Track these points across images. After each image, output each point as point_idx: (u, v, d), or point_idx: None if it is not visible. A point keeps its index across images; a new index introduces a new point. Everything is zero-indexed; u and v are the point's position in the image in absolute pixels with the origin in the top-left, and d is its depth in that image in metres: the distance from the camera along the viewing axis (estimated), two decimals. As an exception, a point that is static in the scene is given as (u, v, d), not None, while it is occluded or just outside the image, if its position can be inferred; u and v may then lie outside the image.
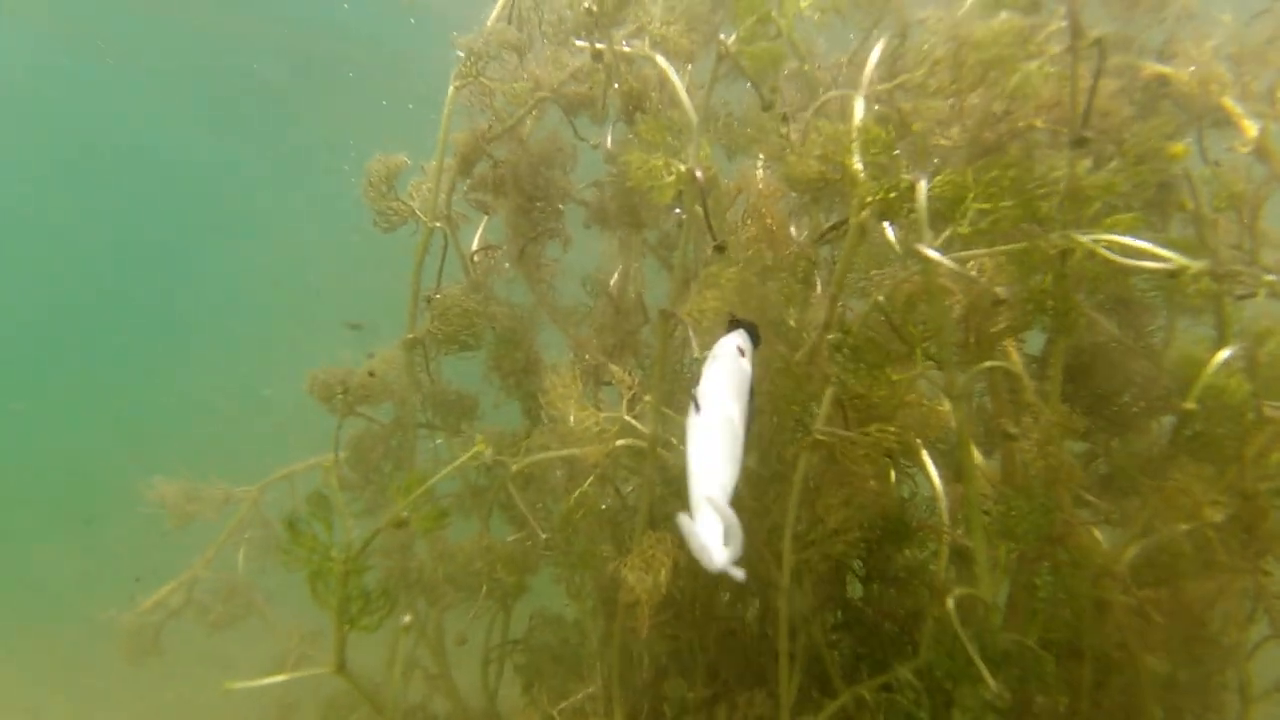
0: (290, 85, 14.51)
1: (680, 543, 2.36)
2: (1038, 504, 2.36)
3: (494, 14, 3.35)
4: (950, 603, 2.27)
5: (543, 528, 3.24)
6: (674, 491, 2.70)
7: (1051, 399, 2.59)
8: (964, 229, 2.19)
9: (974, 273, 2.41)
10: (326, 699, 3.77)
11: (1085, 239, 2.19)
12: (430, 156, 3.42)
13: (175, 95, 15.92)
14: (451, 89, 3.30)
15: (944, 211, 2.21)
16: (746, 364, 2.12)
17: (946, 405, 2.43)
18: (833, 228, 2.71)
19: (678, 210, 3.20)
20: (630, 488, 3.06)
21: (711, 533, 1.69)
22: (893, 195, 2.21)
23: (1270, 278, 2.40)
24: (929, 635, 2.41)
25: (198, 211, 20.86)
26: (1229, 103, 2.59)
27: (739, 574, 1.65)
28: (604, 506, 2.90)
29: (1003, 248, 2.29)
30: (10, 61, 15.18)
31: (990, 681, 2.18)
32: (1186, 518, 2.39)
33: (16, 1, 12.76)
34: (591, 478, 2.77)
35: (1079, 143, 2.29)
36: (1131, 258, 2.16)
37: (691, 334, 2.21)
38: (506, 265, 3.62)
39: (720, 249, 2.60)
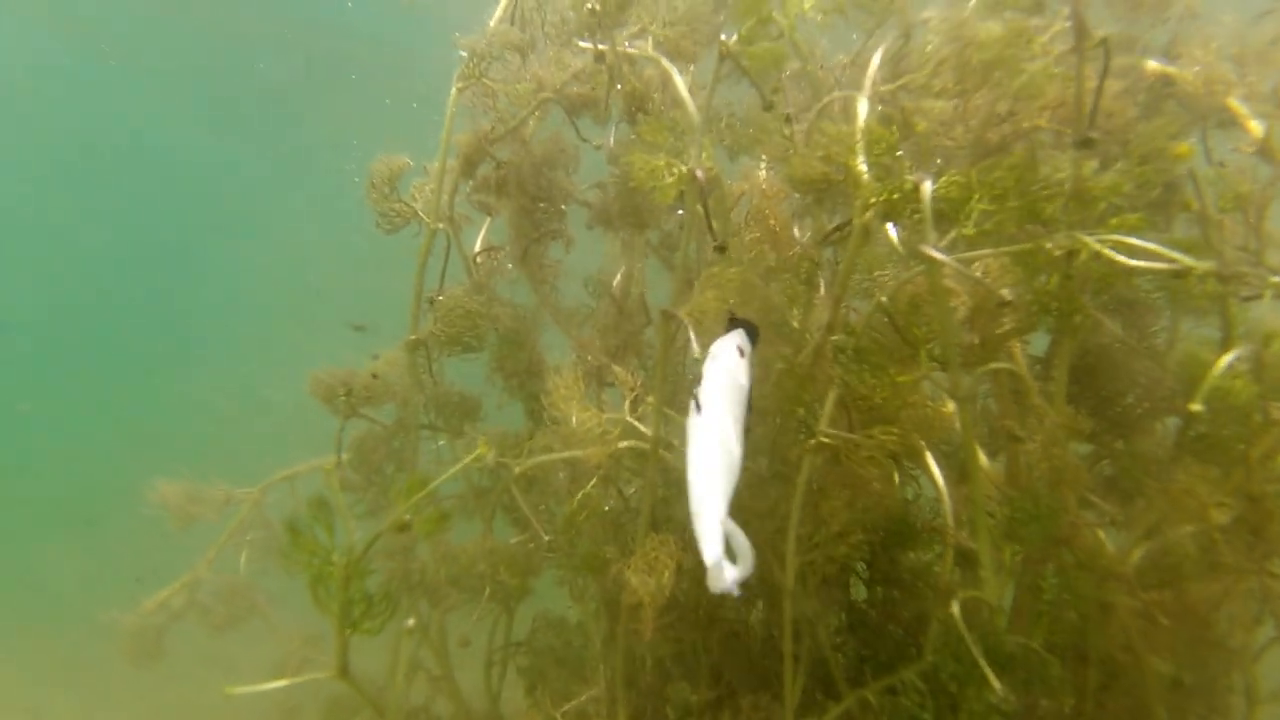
0: (292, 85, 14.50)
1: (684, 545, 2.36)
2: (1043, 506, 2.35)
3: (497, 15, 3.35)
4: (955, 605, 2.26)
5: (546, 530, 3.24)
6: (677, 493, 2.70)
7: (1056, 400, 2.58)
8: (968, 230, 2.18)
9: (978, 274, 2.40)
10: (329, 701, 3.77)
11: (1090, 240, 2.18)
12: (433, 157, 3.41)
13: (176, 95, 15.92)
14: (454, 90, 3.29)
15: (948, 212, 2.20)
16: (746, 364, 2.12)
17: (951, 407, 2.42)
18: (836, 229, 2.71)
19: (680, 211, 3.19)
20: (633, 489, 3.05)
21: (716, 552, 1.70)
22: (897, 196, 2.20)
23: (1276, 279, 2.39)
24: (934, 638, 2.41)
25: (199, 211, 20.82)
26: (1234, 103, 2.58)
27: (734, 589, 1.66)
28: (607, 508, 2.89)
29: (1007, 249, 2.28)
30: (10, 61, 15.18)
31: (995, 684, 2.17)
32: (1192, 520, 2.38)
33: (16, 1, 12.76)
34: (594, 479, 2.77)
35: (1084, 143, 2.28)
36: (1137, 259, 2.15)
37: (692, 334, 2.20)
38: (509, 266, 3.62)
39: (721, 249, 2.59)
